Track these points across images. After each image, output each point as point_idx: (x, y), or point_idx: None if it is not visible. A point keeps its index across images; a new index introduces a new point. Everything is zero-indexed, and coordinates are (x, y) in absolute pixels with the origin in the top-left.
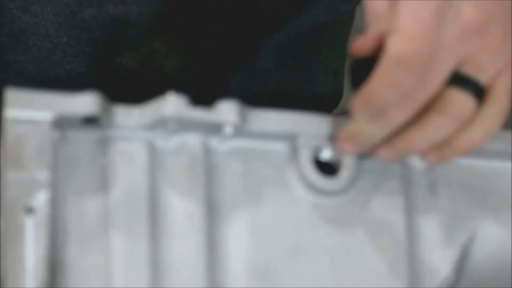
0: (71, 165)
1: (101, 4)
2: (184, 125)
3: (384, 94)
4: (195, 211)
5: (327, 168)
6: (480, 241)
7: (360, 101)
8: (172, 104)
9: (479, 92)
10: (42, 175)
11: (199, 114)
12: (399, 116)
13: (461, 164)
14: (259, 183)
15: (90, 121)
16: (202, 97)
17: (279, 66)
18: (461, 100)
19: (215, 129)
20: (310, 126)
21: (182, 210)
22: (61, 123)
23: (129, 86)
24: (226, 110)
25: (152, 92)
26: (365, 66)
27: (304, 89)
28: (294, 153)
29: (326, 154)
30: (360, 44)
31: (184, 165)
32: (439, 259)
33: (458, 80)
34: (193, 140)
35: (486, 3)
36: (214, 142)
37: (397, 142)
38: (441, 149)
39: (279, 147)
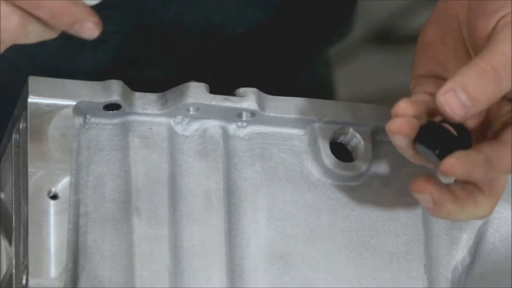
0: (93, 150)
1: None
2: (204, 112)
3: None
4: (214, 195)
5: (344, 153)
6: (495, 223)
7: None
8: (193, 91)
9: None
10: (65, 161)
11: (218, 101)
12: None
13: None
14: (277, 168)
15: (112, 107)
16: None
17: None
18: None
19: (234, 115)
20: (327, 112)
21: (201, 194)
22: (84, 110)
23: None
24: (245, 97)
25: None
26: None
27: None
28: (312, 138)
29: (343, 139)
30: None
31: (204, 150)
32: (455, 242)
33: None
34: (212, 126)
35: None
36: (233, 128)
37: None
38: None
39: (297, 133)
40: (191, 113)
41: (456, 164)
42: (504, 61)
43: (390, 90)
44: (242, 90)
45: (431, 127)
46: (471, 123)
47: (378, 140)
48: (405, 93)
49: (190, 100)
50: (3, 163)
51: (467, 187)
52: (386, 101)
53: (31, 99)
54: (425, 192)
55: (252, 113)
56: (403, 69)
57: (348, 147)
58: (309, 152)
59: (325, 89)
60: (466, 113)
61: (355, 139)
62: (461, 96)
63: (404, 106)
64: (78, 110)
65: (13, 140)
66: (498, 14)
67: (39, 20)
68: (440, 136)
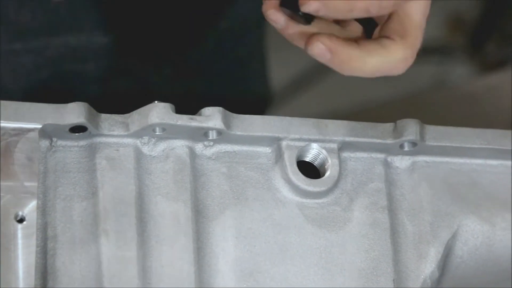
0: (60, 173)
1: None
2: (170, 132)
3: None
4: (183, 215)
5: (311, 170)
6: (463, 237)
7: None
8: (159, 111)
9: None
10: (32, 184)
11: (184, 121)
12: None
13: (442, 162)
14: (244, 186)
15: (78, 129)
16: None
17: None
18: None
19: (200, 134)
20: (293, 129)
21: (169, 214)
22: (50, 133)
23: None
24: (211, 116)
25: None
26: None
27: (236, 91)
28: (278, 156)
29: (310, 156)
30: None
31: (171, 170)
32: (423, 256)
33: None
34: (179, 145)
35: None
36: (200, 147)
37: None
38: None
39: (264, 151)
40: (157, 133)
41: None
42: None
43: (366, 104)
44: (207, 109)
45: None
46: None
47: (344, 156)
48: (380, 105)
49: (156, 120)
50: None
51: (373, 38)
52: (362, 114)
53: None
54: (315, 41)
55: (219, 132)
56: (378, 82)
57: (315, 163)
58: (276, 169)
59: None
60: None
61: (322, 155)
62: None
63: None
64: (44, 133)
65: None
66: None
67: None
68: None
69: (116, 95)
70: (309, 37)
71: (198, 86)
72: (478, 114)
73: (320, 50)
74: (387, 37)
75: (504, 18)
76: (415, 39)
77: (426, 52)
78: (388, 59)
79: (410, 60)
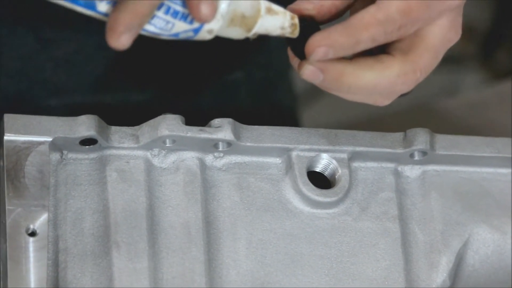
0: (71, 186)
1: None
2: (180, 144)
3: None
4: (193, 226)
5: (321, 180)
6: (474, 246)
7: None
8: (168, 123)
9: None
10: (43, 197)
11: (194, 132)
12: None
13: (452, 171)
14: (255, 197)
15: (88, 142)
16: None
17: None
18: None
19: (210, 146)
20: (303, 139)
21: (180, 226)
22: (60, 146)
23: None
24: (220, 128)
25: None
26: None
27: (269, 103)
28: (289, 166)
29: (320, 166)
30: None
31: (181, 182)
32: (435, 266)
33: None
34: (189, 157)
35: None
36: (210, 159)
37: None
38: None
39: (274, 161)
40: (167, 145)
41: (318, 38)
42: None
43: (377, 113)
44: (217, 121)
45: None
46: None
47: (355, 166)
48: (391, 115)
49: (165, 132)
50: None
51: (371, 55)
52: (373, 123)
53: (7, 137)
54: (305, 64)
55: (228, 144)
56: None
57: (325, 174)
58: (286, 180)
59: (288, 116)
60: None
61: (332, 165)
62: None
63: None
64: (55, 146)
65: None
66: None
67: None
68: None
69: (127, 107)
70: (300, 63)
71: (224, 99)
72: (489, 122)
73: (311, 71)
74: (387, 53)
75: None
76: (420, 57)
77: None
78: (384, 74)
79: (411, 76)
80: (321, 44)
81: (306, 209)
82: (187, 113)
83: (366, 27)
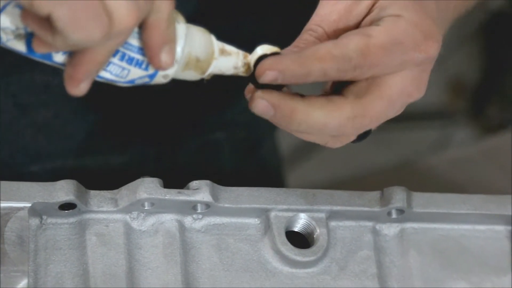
0: (50, 250)
1: None
2: (159, 206)
3: None
4: None
5: (300, 240)
6: None
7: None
8: (146, 186)
9: None
10: (23, 263)
11: (172, 195)
12: None
13: (430, 229)
14: (234, 258)
15: (67, 207)
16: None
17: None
18: None
19: (189, 208)
20: (281, 199)
21: None
22: (39, 211)
23: None
24: (198, 190)
25: None
26: None
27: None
28: (267, 227)
29: (298, 226)
30: None
31: (161, 244)
32: None
33: None
34: (168, 219)
35: None
36: (189, 221)
37: None
38: None
39: (253, 222)
40: (146, 208)
41: (269, 61)
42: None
43: (367, 169)
44: (195, 183)
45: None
46: None
47: (333, 225)
48: (379, 171)
49: (144, 195)
50: None
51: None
52: (362, 181)
53: None
54: (257, 98)
55: (207, 205)
56: (378, 148)
57: (304, 233)
58: (265, 240)
59: (274, 176)
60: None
61: (310, 225)
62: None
63: None
64: (34, 211)
65: None
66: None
67: None
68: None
69: (108, 170)
70: (252, 95)
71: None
72: (474, 178)
73: (263, 106)
74: (341, 94)
75: (504, 81)
76: (372, 104)
77: (427, 117)
78: (334, 114)
79: (360, 120)
80: (272, 68)
81: (285, 269)
82: (169, 174)
83: (319, 60)
